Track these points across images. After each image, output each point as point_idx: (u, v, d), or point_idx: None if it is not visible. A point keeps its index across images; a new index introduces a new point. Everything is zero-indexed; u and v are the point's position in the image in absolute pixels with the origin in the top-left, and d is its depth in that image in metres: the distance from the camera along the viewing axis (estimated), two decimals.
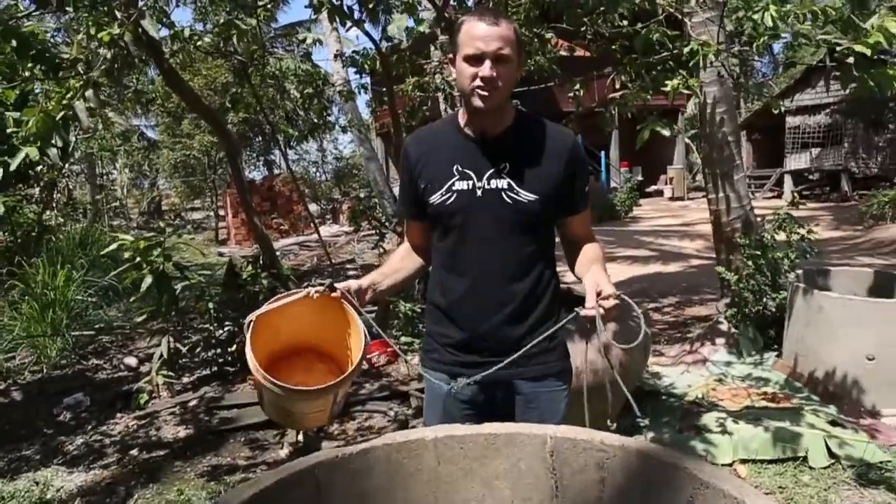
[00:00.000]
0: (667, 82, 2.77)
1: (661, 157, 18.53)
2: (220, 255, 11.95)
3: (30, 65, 2.01)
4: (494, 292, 1.57)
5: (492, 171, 1.53)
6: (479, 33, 1.42)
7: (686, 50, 3.06)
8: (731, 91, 4.19)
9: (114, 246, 3.92)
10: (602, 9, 3.68)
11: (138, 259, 3.68)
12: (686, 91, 2.77)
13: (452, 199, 1.54)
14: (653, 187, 19.28)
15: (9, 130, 2.20)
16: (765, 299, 4.15)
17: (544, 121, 1.62)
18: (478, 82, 1.44)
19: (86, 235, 7.98)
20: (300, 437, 3.54)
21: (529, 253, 1.58)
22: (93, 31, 2.23)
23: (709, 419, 3.25)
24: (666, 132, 2.62)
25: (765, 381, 3.82)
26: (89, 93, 2.07)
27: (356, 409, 3.83)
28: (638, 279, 7.66)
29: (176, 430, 3.73)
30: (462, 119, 1.58)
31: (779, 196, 16.18)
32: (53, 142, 2.03)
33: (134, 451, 3.48)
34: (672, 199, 17.90)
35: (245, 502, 1.31)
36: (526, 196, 1.52)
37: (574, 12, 3.91)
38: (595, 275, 1.47)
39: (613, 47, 3.70)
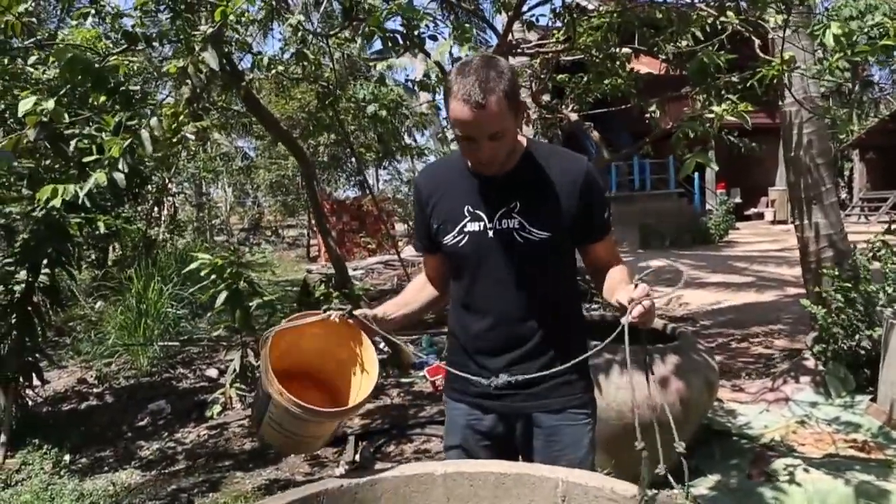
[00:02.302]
0: (713, 108, 2.61)
1: (763, 178, 17.51)
2: (309, 272, 12.40)
3: (103, 98, 2.18)
4: (511, 330, 1.55)
5: (502, 210, 1.50)
6: (466, 119, 1.34)
7: (764, 70, 2.89)
8: (821, 108, 3.90)
9: (195, 264, 4.16)
10: (673, 29, 3.57)
11: (213, 277, 3.89)
12: (732, 118, 2.59)
13: (465, 240, 1.52)
14: (753, 210, 18.25)
15: (89, 159, 2.40)
16: (858, 336, 3.80)
17: (557, 150, 1.59)
18: (475, 160, 1.44)
19: (185, 251, 8.53)
20: (357, 457, 3.59)
21: (546, 289, 1.54)
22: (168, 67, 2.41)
23: (782, 465, 3.00)
24: (714, 167, 2.47)
25: (854, 427, 3.48)
26: (154, 121, 2.23)
27: (415, 431, 3.83)
28: (728, 308, 7.25)
29: (242, 441, 3.88)
30: None
31: None
32: (120, 167, 2.20)
33: (201, 461, 3.65)
34: (773, 222, 16.86)
35: None
36: (538, 234, 1.48)
37: (645, 32, 3.80)
38: (626, 291, 1.39)
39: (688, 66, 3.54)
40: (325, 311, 1.55)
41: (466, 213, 1.52)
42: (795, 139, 4.01)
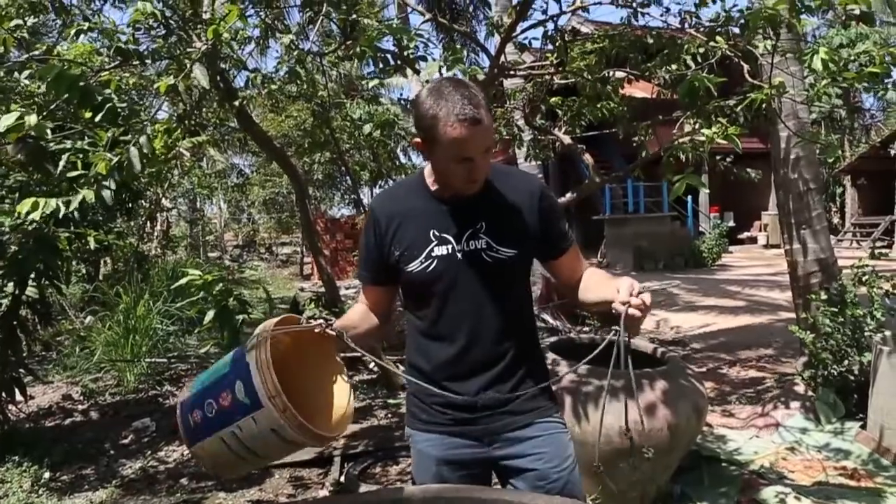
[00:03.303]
0: (703, 132, 2.63)
1: (756, 202, 17.64)
2: (301, 290, 12.37)
3: (88, 114, 2.18)
4: (484, 353, 1.53)
5: (469, 232, 1.50)
6: (466, 138, 1.34)
7: (752, 95, 2.91)
8: (810, 133, 3.94)
9: (184, 280, 4.13)
10: (666, 52, 3.60)
11: (202, 293, 3.87)
12: (723, 141, 2.61)
13: (433, 265, 1.50)
14: (746, 234, 18.35)
15: (74, 174, 2.39)
16: (847, 361, 3.79)
17: (508, 168, 1.62)
18: (472, 179, 1.43)
19: (176, 266, 8.49)
20: (342, 479, 3.54)
21: (513, 306, 1.56)
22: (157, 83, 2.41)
23: (772, 493, 2.98)
24: (705, 189, 2.48)
25: (844, 454, 3.46)
26: (143, 139, 2.22)
27: (401, 454, 3.79)
28: (719, 332, 7.24)
29: None
30: (430, 182, 1.54)
31: (890, 246, 14.94)
32: (107, 184, 2.19)
33: (184, 480, 3.59)
34: (766, 246, 16.93)
35: None
36: (505, 252, 1.50)
37: (637, 57, 3.83)
38: (614, 280, 1.41)
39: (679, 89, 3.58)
40: (308, 319, 1.48)
41: (433, 237, 1.50)
42: (784, 163, 4.03)
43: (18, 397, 4.21)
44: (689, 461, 3.27)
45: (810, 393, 3.95)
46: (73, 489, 3.52)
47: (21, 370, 4.24)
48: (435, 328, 1.54)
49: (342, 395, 1.50)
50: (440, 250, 1.50)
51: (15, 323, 4.05)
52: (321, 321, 1.45)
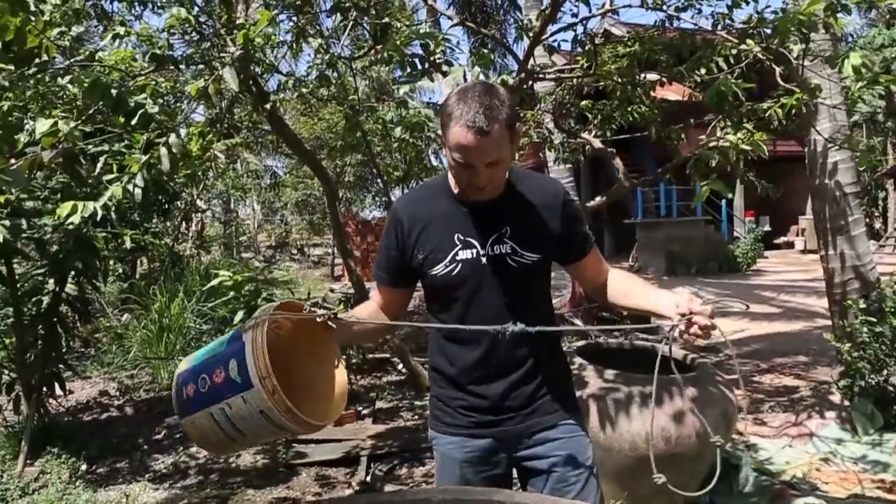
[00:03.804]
0: (728, 137, 2.58)
1: (794, 206, 17.22)
2: (332, 290, 12.48)
3: (122, 119, 2.25)
4: (507, 356, 1.53)
5: (494, 236, 1.50)
6: (469, 146, 1.34)
7: (784, 100, 2.86)
8: (846, 137, 3.84)
9: (215, 281, 4.22)
10: (698, 54, 3.55)
11: (232, 294, 3.94)
12: (747, 147, 2.56)
13: (458, 269, 1.50)
14: (783, 239, 17.92)
15: (109, 177, 2.47)
16: (885, 371, 3.68)
17: (530, 173, 1.61)
18: (472, 186, 1.44)
19: (209, 267, 8.65)
20: (368, 479, 3.57)
21: (535, 310, 1.56)
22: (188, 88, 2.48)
23: None
24: (730, 194, 2.43)
25: (883, 467, 3.36)
26: (173, 138, 2.28)
27: (427, 455, 3.80)
28: (753, 338, 7.09)
29: (255, 458, 3.88)
30: (454, 184, 1.54)
31: None
32: (136, 182, 2.26)
33: (213, 476, 3.66)
34: (804, 251, 16.52)
35: None
36: (530, 257, 1.50)
37: (668, 61, 3.79)
38: (666, 294, 1.39)
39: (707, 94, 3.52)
40: (312, 306, 1.45)
41: (457, 241, 1.50)
42: (821, 168, 3.94)
43: (58, 392, 4.34)
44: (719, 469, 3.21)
45: (846, 403, 3.84)
46: (108, 481, 3.62)
47: (61, 365, 4.38)
48: (459, 333, 1.54)
49: (337, 386, 1.49)
50: (465, 254, 1.50)
51: (55, 320, 4.19)
52: (324, 311, 1.44)
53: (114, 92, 2.14)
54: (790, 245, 17.63)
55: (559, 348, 1.69)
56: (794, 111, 2.93)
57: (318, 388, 1.50)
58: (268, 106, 3.66)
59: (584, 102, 5.20)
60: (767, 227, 16.68)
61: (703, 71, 3.20)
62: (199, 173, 7.32)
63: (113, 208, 3.10)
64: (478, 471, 1.59)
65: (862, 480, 3.21)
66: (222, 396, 1.29)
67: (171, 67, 3.42)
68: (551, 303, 1.69)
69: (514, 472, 1.64)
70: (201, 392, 1.32)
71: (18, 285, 4.11)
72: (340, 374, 1.50)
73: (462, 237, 1.51)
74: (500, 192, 1.51)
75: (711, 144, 2.86)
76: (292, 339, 1.50)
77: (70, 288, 4.23)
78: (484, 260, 1.50)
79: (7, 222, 3.18)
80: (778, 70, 2.60)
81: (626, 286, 1.58)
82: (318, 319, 1.42)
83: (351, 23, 3.91)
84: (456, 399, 1.58)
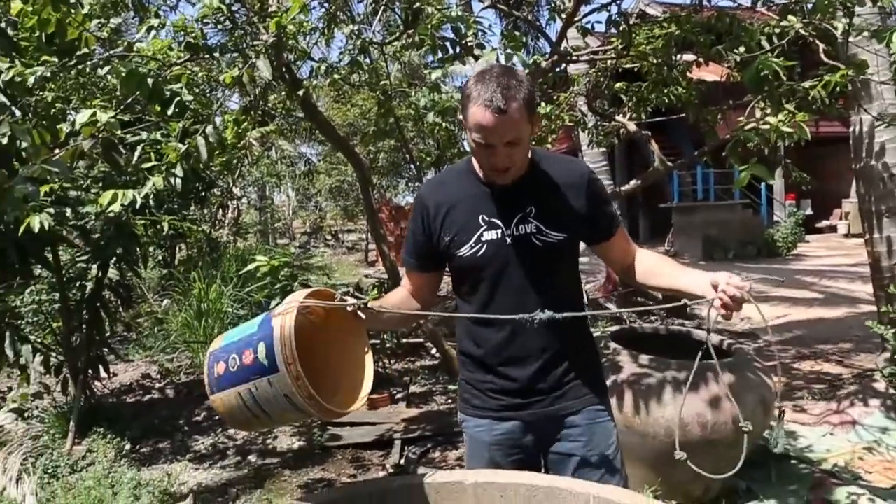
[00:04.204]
0: (769, 119, 2.49)
1: (837, 189, 16.69)
2: (366, 276, 12.60)
3: (158, 108, 2.29)
4: (534, 338, 1.52)
5: (519, 216, 1.51)
6: (487, 125, 1.35)
7: (828, 77, 2.76)
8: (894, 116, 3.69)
9: (252, 265, 4.29)
10: (735, 34, 3.45)
11: (269, 278, 4.01)
12: (788, 129, 2.46)
13: (483, 249, 1.51)
14: (825, 222, 17.39)
15: (147, 165, 2.52)
16: None
17: (554, 154, 1.63)
18: (491, 167, 1.44)
19: (245, 253, 8.80)
20: (402, 461, 3.61)
21: (562, 290, 1.57)
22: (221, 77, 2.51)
23: (845, 494, 2.85)
24: (771, 180, 2.35)
25: None
26: (209, 128, 2.32)
27: (460, 439, 3.83)
28: (793, 324, 6.93)
29: (291, 441, 3.96)
30: (478, 166, 1.55)
31: None
32: (175, 171, 2.31)
33: (251, 457, 3.75)
34: (847, 235, 16.02)
35: None
36: (556, 236, 1.51)
37: (705, 41, 3.68)
38: (699, 273, 1.41)
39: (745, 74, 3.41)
40: (343, 295, 1.46)
41: (482, 222, 1.52)
42: (866, 148, 3.81)
43: (103, 374, 4.49)
44: (757, 457, 3.17)
45: (892, 391, 3.73)
46: (151, 461, 3.74)
47: (105, 349, 4.52)
48: (485, 311, 1.55)
49: (363, 376, 1.49)
50: (490, 235, 1.51)
51: (99, 305, 4.32)
52: (354, 300, 1.45)
53: (150, 82, 2.18)
54: (833, 229, 17.10)
55: (588, 331, 1.69)
56: (838, 89, 2.82)
57: (345, 376, 1.52)
58: (301, 92, 3.67)
59: (618, 84, 5.10)
60: (809, 211, 16.21)
61: (741, 49, 3.09)
62: (235, 161, 7.44)
63: (151, 196, 3.17)
64: (507, 454, 1.61)
65: None
66: (250, 377, 1.32)
67: (206, 56, 3.47)
68: (580, 284, 1.69)
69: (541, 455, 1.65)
70: (231, 371, 1.35)
71: (63, 272, 4.25)
72: (368, 363, 1.51)
73: (487, 218, 1.52)
74: (523, 173, 1.51)
75: (750, 126, 2.78)
76: (323, 325, 1.51)
77: (112, 274, 4.36)
78: (509, 240, 1.51)
79: (52, 210, 3.27)
80: (822, 47, 2.51)
81: (655, 266, 1.57)
82: (349, 308, 1.43)
83: (382, 7, 3.91)
84: (485, 382, 1.60)
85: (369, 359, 1.51)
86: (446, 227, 1.55)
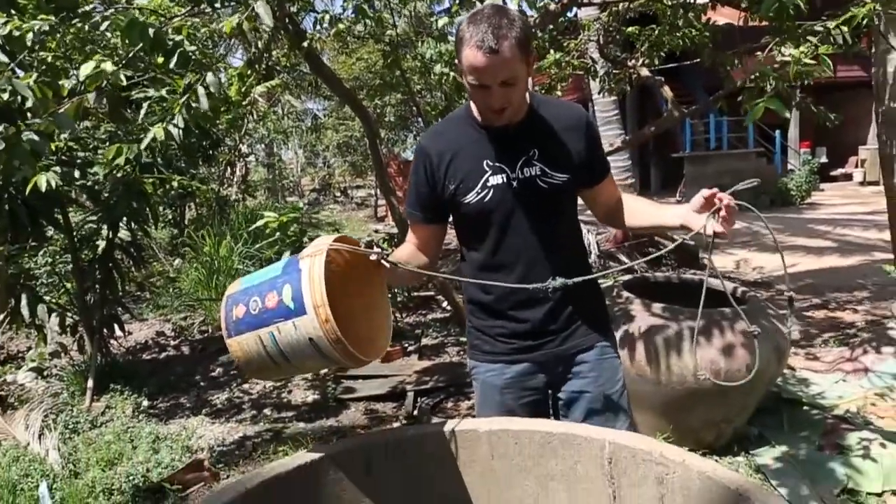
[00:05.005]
0: (790, 51, 2.39)
1: (853, 137, 16.34)
2: (376, 231, 12.60)
3: (161, 59, 2.24)
4: (543, 279, 1.50)
5: (523, 159, 1.51)
6: (480, 65, 1.34)
7: (853, 10, 2.65)
8: None
9: (261, 222, 4.28)
10: None
11: (278, 234, 4.00)
12: (810, 62, 2.37)
13: (490, 194, 1.51)
14: (840, 171, 17.11)
15: (152, 120, 2.48)
16: None
17: (550, 98, 1.64)
18: (488, 108, 1.43)
19: (254, 211, 8.79)
20: (415, 412, 3.66)
21: (568, 233, 1.61)
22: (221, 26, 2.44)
23: (856, 439, 2.85)
24: (786, 113, 2.27)
25: None
26: (210, 77, 2.27)
27: (472, 389, 3.87)
28: (806, 273, 6.89)
29: (305, 394, 4.02)
30: (476, 111, 1.53)
31: None
32: (175, 122, 2.27)
33: (267, 411, 3.81)
34: (863, 183, 15.78)
35: (294, 471, 1.37)
36: (560, 177, 1.51)
37: None
38: (679, 206, 1.46)
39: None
40: (366, 245, 1.43)
41: (487, 167, 1.51)
42: (891, 91, 3.69)
43: (118, 332, 4.54)
44: (769, 403, 3.18)
45: None
46: (169, 416, 3.81)
47: (119, 308, 4.57)
48: (493, 259, 1.56)
49: (382, 326, 1.48)
50: (495, 179, 1.51)
51: (111, 265, 4.34)
52: (378, 250, 1.42)
53: (151, 32, 2.12)
54: (848, 177, 16.84)
55: (587, 260, 1.75)
56: (864, 23, 2.71)
57: (364, 327, 1.50)
58: (305, 44, 3.59)
59: (630, 29, 4.95)
60: (824, 159, 15.93)
61: None
62: (241, 118, 7.36)
63: (158, 151, 3.13)
64: (518, 396, 1.62)
65: None
66: (272, 320, 1.27)
67: (207, 11, 3.38)
68: (580, 228, 1.71)
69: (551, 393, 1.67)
70: (251, 314, 1.30)
71: (74, 233, 4.26)
72: (387, 316, 1.50)
73: (491, 163, 1.52)
74: (522, 116, 1.51)
75: (767, 64, 2.68)
76: (343, 275, 1.49)
77: (123, 234, 4.37)
78: (514, 183, 1.51)
79: (58, 169, 3.25)
80: None
81: (637, 208, 1.61)
82: (372, 258, 1.41)
83: None
84: (495, 327, 1.61)
85: (388, 310, 1.50)
86: (451, 175, 1.53)
